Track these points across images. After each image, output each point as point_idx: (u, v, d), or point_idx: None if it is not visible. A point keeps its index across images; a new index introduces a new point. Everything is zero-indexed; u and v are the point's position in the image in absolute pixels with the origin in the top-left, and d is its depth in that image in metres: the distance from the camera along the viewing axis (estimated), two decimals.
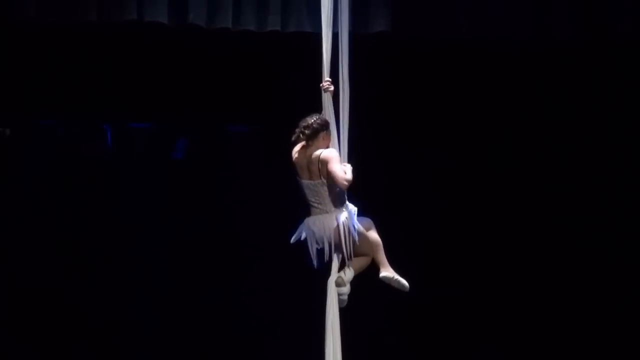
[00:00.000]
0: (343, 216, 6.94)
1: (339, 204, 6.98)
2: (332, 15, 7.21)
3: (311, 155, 7.03)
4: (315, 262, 7.01)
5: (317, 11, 7.32)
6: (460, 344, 10.30)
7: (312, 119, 7.06)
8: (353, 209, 7.03)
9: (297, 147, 7.15)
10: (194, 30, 8.50)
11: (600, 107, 10.25)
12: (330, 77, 7.19)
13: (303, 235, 7.05)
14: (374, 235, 7.17)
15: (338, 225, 6.90)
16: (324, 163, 6.95)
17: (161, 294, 10.21)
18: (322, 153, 6.99)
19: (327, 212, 6.97)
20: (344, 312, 7.08)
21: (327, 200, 6.97)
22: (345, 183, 6.88)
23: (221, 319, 10.23)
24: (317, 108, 7.30)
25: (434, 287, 10.04)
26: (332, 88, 7.12)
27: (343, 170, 6.91)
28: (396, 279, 7.10)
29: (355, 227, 6.94)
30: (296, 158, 7.11)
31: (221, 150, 10.34)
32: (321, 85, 7.15)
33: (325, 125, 7.05)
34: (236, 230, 10.27)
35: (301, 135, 7.08)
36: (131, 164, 10.27)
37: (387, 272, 7.11)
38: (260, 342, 10.17)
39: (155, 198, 10.28)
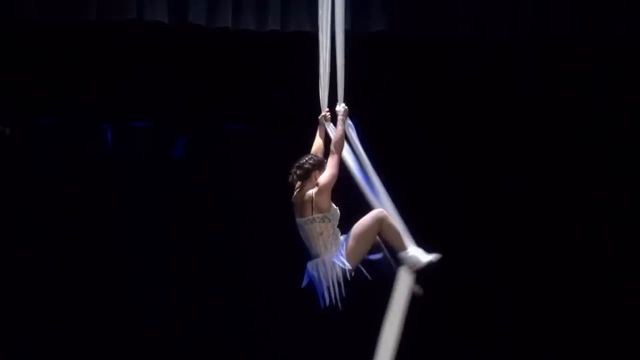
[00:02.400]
0: (329, 263, 6.92)
1: (328, 245, 6.94)
2: (329, 15, 7.17)
3: (304, 193, 7.01)
4: (322, 302, 6.93)
5: (317, 11, 7.30)
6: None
7: (304, 160, 7.05)
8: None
9: (296, 188, 7.13)
10: (194, 30, 8.51)
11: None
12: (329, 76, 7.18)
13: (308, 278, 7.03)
14: (357, 237, 7.00)
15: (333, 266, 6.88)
16: (318, 192, 6.95)
17: (160, 292, 10.20)
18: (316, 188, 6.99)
19: (319, 255, 6.93)
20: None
21: (316, 240, 6.94)
22: (327, 180, 6.91)
23: (218, 319, 10.24)
24: (316, 106, 7.28)
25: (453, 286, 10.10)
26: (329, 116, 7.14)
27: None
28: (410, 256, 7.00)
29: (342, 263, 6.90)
30: (294, 198, 7.11)
31: (221, 149, 10.33)
32: (320, 117, 7.18)
33: (317, 165, 7.02)
34: (236, 230, 10.26)
35: (294, 177, 7.06)
36: (131, 163, 10.25)
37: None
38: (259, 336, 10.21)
39: (155, 197, 10.27)
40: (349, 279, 6.84)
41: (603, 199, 10.41)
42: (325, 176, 6.92)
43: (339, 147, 6.99)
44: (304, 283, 7.01)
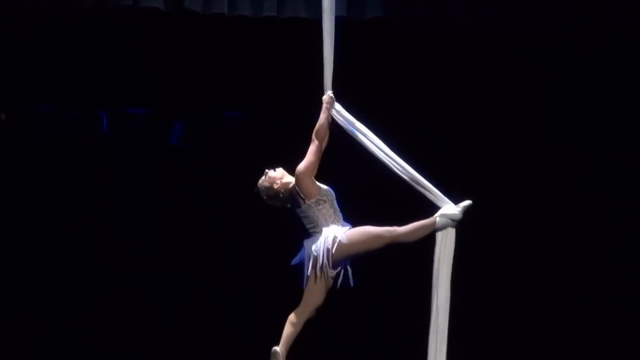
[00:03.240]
0: (328, 232, 6.93)
1: (330, 222, 6.97)
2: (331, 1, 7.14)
3: (288, 189, 7.03)
4: (305, 282, 6.97)
5: None
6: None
7: (263, 190, 7.09)
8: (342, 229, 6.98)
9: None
10: (190, 16, 8.50)
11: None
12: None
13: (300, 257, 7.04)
14: (365, 232, 6.97)
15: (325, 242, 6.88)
16: (297, 183, 6.96)
17: (157, 279, 10.21)
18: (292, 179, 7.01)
19: (321, 231, 6.94)
20: None
21: (319, 220, 6.95)
22: (303, 169, 6.90)
23: (215, 304, 10.25)
24: (314, 92, 7.25)
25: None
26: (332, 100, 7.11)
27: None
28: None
29: (338, 241, 6.89)
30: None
31: (218, 136, 10.32)
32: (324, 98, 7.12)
33: (267, 189, 7.06)
34: (234, 216, 10.26)
35: (274, 204, 7.10)
36: (127, 150, 10.24)
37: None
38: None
39: (152, 183, 10.26)
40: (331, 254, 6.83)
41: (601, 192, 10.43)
42: (301, 165, 6.98)
43: (319, 135, 7.00)
44: (294, 260, 7.04)
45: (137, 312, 10.13)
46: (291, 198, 7.02)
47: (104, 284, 10.10)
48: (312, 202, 6.94)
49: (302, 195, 6.96)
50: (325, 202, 6.95)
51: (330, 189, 7.02)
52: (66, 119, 10.12)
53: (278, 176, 7.07)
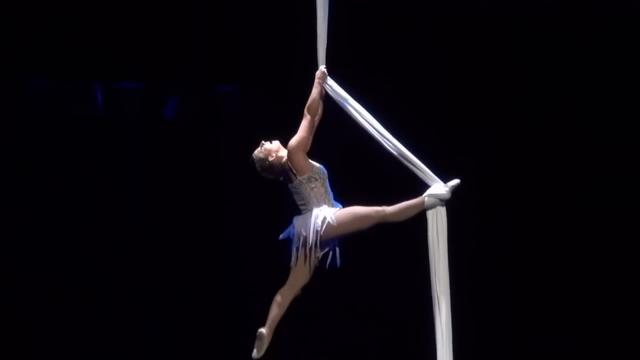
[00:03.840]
0: (318, 212, 6.89)
1: (321, 201, 6.93)
2: None
3: (282, 163, 6.99)
4: (292, 260, 6.93)
5: None
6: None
7: (258, 162, 7.03)
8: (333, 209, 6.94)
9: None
10: None
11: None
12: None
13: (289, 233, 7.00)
14: (354, 212, 6.90)
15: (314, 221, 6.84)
16: (289, 158, 6.92)
17: (149, 254, 10.20)
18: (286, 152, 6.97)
19: (311, 210, 6.92)
20: None
21: (310, 198, 6.92)
22: (294, 144, 6.87)
23: (212, 280, 10.25)
24: (311, 66, 7.19)
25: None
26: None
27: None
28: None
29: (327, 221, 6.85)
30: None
31: (212, 110, 10.29)
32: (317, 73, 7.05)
33: (262, 161, 7.00)
34: (229, 190, 10.24)
35: (268, 177, 7.05)
36: (122, 124, 10.21)
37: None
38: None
39: (146, 158, 10.24)
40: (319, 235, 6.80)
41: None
42: (293, 140, 6.93)
43: (311, 110, 6.95)
44: (282, 235, 7.01)
45: (132, 285, 10.14)
46: (284, 172, 7.00)
47: (97, 258, 10.08)
48: (303, 179, 6.91)
49: (294, 171, 6.93)
50: (317, 180, 6.92)
51: (323, 168, 6.99)
52: (60, 93, 10.08)
53: (274, 149, 7.02)
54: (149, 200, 10.24)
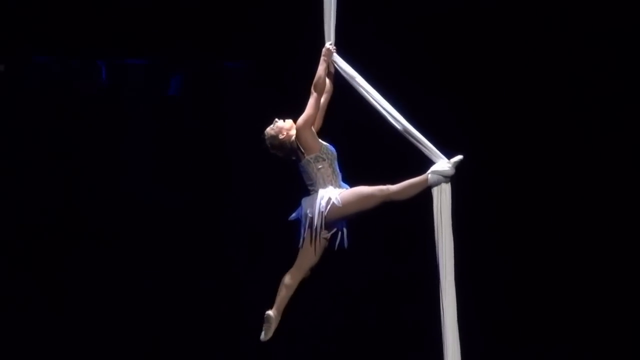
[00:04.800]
0: (323, 193, 6.91)
1: (328, 182, 6.95)
2: None
3: (292, 141, 6.98)
4: (300, 242, 6.94)
5: None
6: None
7: (268, 139, 7.02)
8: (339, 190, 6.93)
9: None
10: None
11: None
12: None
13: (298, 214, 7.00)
14: (358, 192, 6.90)
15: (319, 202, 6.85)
16: (297, 136, 6.92)
17: (154, 229, 10.23)
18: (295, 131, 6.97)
19: (318, 191, 6.92)
20: None
21: (317, 179, 6.93)
22: (301, 122, 6.88)
23: (216, 258, 10.28)
24: (316, 42, 7.19)
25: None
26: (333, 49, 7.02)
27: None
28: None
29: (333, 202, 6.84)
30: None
31: (218, 87, 10.28)
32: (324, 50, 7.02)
33: (272, 138, 6.99)
34: (233, 168, 10.26)
35: (278, 155, 7.06)
36: (126, 101, 10.21)
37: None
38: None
39: (151, 135, 10.25)
40: (324, 223, 6.80)
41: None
42: (301, 118, 6.92)
43: (317, 87, 6.93)
44: (292, 216, 7.02)
45: (136, 261, 10.16)
46: (294, 151, 7.00)
47: (102, 234, 10.12)
48: (311, 158, 6.90)
49: (302, 150, 6.93)
50: (325, 160, 6.91)
51: (332, 148, 6.97)
52: (65, 69, 10.08)
53: (285, 127, 6.99)
54: (154, 177, 10.25)
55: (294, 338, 9.81)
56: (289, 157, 7.04)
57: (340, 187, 6.91)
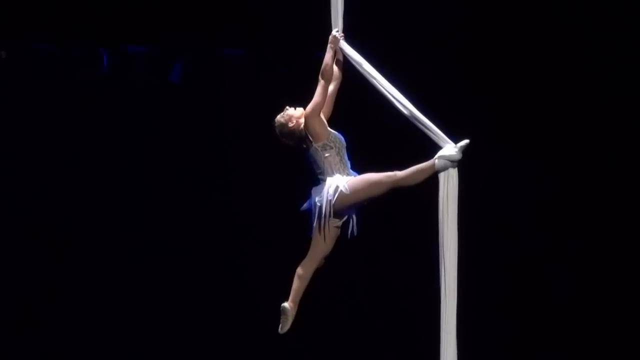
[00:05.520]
0: (331, 182, 6.90)
1: (336, 170, 6.92)
2: None
3: (301, 129, 6.93)
4: (312, 232, 6.89)
5: None
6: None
7: (278, 126, 6.96)
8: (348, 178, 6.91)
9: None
10: None
11: None
12: None
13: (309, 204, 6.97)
14: (366, 180, 6.87)
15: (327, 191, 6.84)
16: (305, 124, 6.90)
17: (154, 217, 10.23)
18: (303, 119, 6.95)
19: (325, 180, 6.89)
20: None
21: (324, 167, 6.89)
22: (309, 110, 6.86)
23: (212, 245, 10.28)
24: (320, 29, 7.18)
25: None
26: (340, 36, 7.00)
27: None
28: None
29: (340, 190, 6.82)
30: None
31: (218, 73, 10.28)
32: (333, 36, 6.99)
33: (282, 125, 6.93)
34: (234, 155, 10.26)
35: (288, 143, 7.01)
36: (127, 88, 10.20)
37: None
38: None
39: (152, 121, 10.24)
40: (333, 208, 6.77)
41: None
42: (309, 106, 6.88)
43: (324, 75, 6.88)
44: (304, 207, 7.00)
45: (136, 252, 10.18)
46: (303, 139, 6.97)
47: (100, 222, 10.13)
48: (318, 146, 6.87)
49: (310, 138, 6.91)
50: (332, 148, 6.88)
51: (341, 136, 6.95)
52: (66, 57, 10.06)
53: (296, 115, 6.95)
54: (154, 164, 10.25)
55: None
56: (299, 145, 7.00)
57: (349, 175, 6.90)
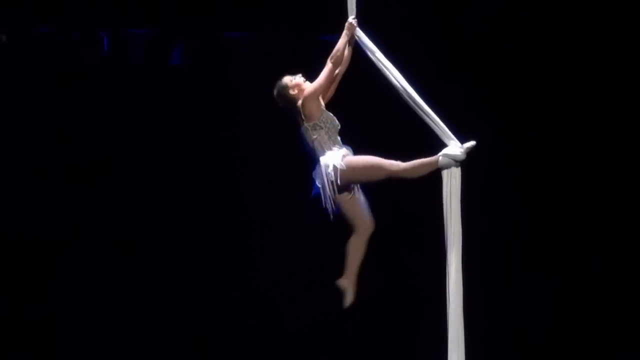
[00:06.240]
0: (326, 161, 6.91)
1: (326, 148, 6.92)
2: None
3: (297, 104, 6.98)
4: (330, 214, 6.92)
5: None
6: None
7: (278, 88, 7.01)
8: (343, 151, 6.94)
9: None
10: None
11: None
12: None
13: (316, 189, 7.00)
14: (367, 160, 6.93)
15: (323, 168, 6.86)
16: (303, 102, 6.92)
17: (155, 201, 10.24)
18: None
19: (319, 160, 6.93)
20: None
21: (314, 147, 6.91)
22: (310, 90, 6.88)
23: (217, 225, 10.30)
24: (321, 13, 7.17)
25: None
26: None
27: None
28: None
29: (337, 167, 6.85)
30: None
31: (219, 56, 10.27)
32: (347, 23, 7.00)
33: (283, 87, 6.98)
34: (234, 137, 10.27)
35: (281, 106, 7.04)
36: (128, 71, 10.19)
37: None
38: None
39: (152, 105, 10.24)
40: (336, 184, 6.81)
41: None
42: (310, 86, 6.92)
43: (333, 60, 6.92)
44: (313, 194, 7.02)
45: (140, 231, 10.19)
46: (296, 113, 6.96)
47: (103, 203, 10.11)
48: (309, 126, 6.91)
49: (303, 116, 6.93)
50: (322, 129, 6.91)
51: (334, 118, 6.97)
52: (67, 40, 10.04)
53: (303, 87, 6.96)
54: (156, 147, 10.25)
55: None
56: (286, 110, 7.00)
57: (340, 148, 6.91)
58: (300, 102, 6.93)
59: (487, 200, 9.94)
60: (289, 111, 6.99)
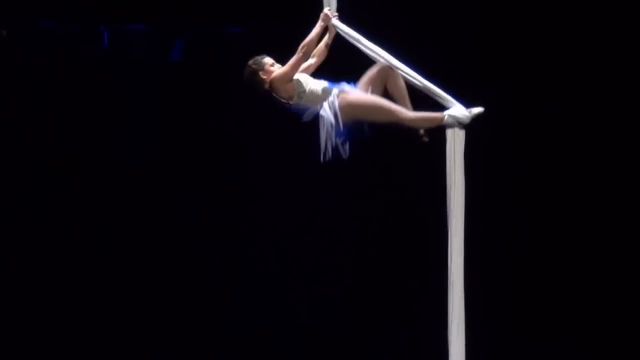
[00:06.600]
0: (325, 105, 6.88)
1: (321, 99, 6.87)
2: None
3: (265, 85, 7.00)
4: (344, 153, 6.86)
5: None
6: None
7: (247, 70, 7.03)
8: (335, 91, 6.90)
9: None
10: None
11: None
12: None
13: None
14: (374, 100, 6.90)
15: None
16: (273, 89, 6.96)
17: (155, 195, 10.29)
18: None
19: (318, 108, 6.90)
20: None
21: (311, 105, 6.89)
22: (276, 76, 6.89)
23: (218, 209, 10.37)
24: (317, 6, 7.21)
25: None
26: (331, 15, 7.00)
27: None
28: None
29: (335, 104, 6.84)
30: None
31: (219, 52, 10.29)
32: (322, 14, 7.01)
33: (253, 71, 6.99)
34: (234, 131, 10.29)
35: (247, 81, 7.06)
36: (128, 66, 10.22)
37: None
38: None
39: (152, 100, 10.25)
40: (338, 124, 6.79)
41: None
42: (277, 73, 6.92)
43: (304, 50, 6.92)
44: (305, 117, 6.95)
45: (141, 225, 10.22)
46: (270, 96, 6.97)
47: (104, 196, 10.15)
48: (295, 100, 6.90)
49: (282, 99, 6.94)
50: (304, 91, 6.89)
51: (302, 79, 6.90)
52: (67, 35, 10.07)
53: (271, 71, 6.95)
54: (156, 142, 10.27)
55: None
56: (258, 93, 7.00)
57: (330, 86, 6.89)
58: (267, 85, 6.94)
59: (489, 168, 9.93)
60: (259, 92, 6.98)
